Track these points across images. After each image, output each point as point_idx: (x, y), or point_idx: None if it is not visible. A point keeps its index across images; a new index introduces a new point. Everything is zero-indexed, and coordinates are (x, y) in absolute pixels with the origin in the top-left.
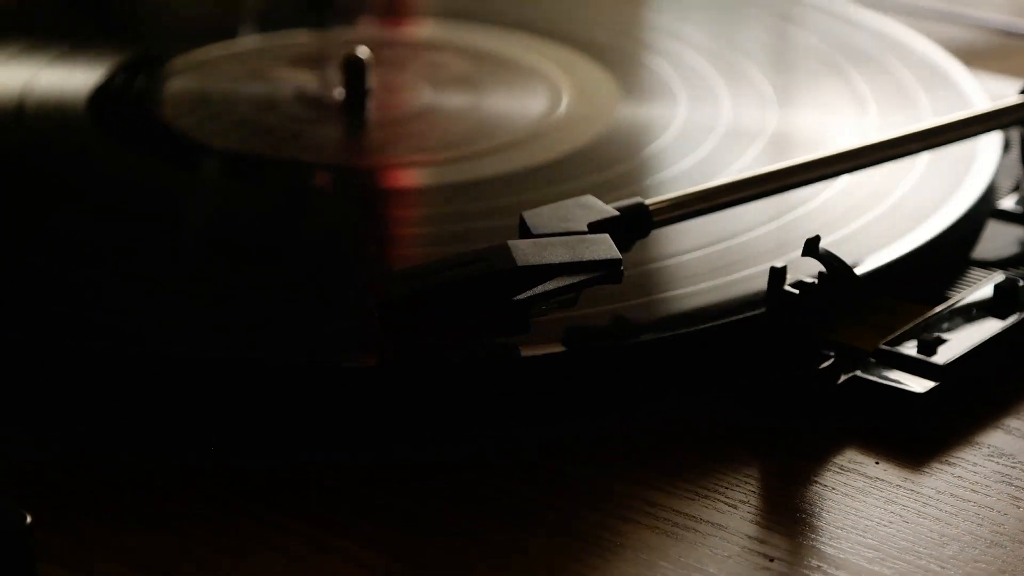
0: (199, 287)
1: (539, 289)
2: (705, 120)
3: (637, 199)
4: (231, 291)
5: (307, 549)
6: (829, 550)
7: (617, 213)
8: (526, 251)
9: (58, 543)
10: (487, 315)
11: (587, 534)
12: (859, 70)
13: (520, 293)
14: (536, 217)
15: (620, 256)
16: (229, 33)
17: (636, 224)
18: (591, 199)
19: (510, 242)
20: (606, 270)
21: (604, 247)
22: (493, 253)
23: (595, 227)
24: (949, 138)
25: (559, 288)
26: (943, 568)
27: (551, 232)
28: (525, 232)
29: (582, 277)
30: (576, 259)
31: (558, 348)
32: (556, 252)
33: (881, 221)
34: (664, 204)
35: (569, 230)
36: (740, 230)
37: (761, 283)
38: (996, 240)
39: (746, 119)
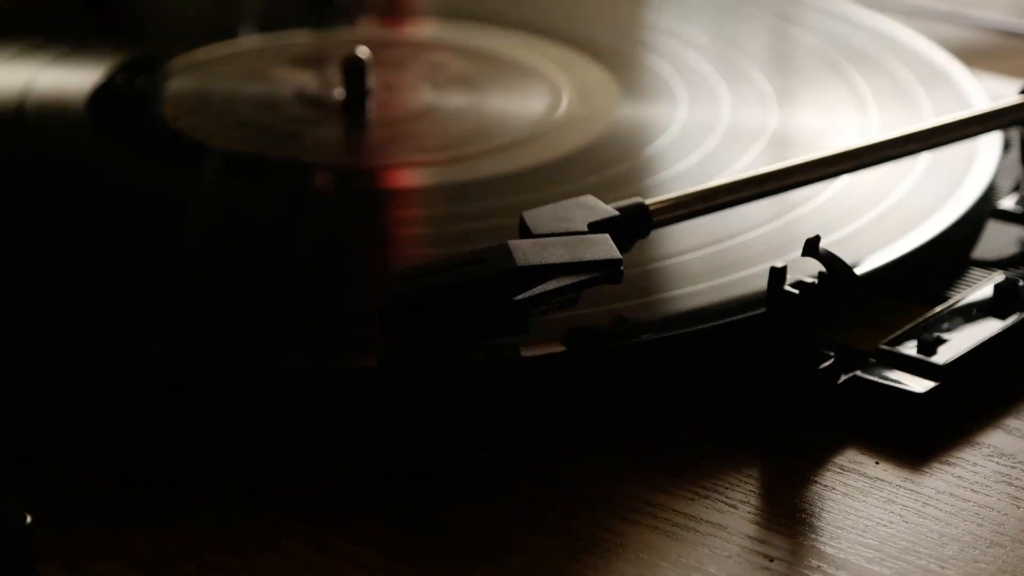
0: (199, 288)
1: (539, 289)
2: (705, 120)
3: (637, 199)
4: (231, 292)
5: (307, 549)
6: (829, 550)
7: (617, 213)
8: (526, 251)
9: (58, 543)
10: (487, 316)
11: (587, 534)
12: (859, 70)
13: (520, 293)
14: (536, 217)
15: (620, 256)
16: (229, 33)
17: (636, 224)
18: (591, 199)
19: (510, 242)
20: (606, 270)
21: (604, 247)
22: (493, 253)
23: (595, 227)
24: (949, 138)
25: (559, 288)
26: (943, 568)
27: (551, 232)
28: (525, 232)
29: (582, 277)
30: (576, 259)
31: (558, 348)
32: (556, 252)
33: (881, 221)
34: (664, 204)
35: (569, 230)
36: (740, 230)
37: (761, 283)
38: (996, 240)
39: (746, 119)
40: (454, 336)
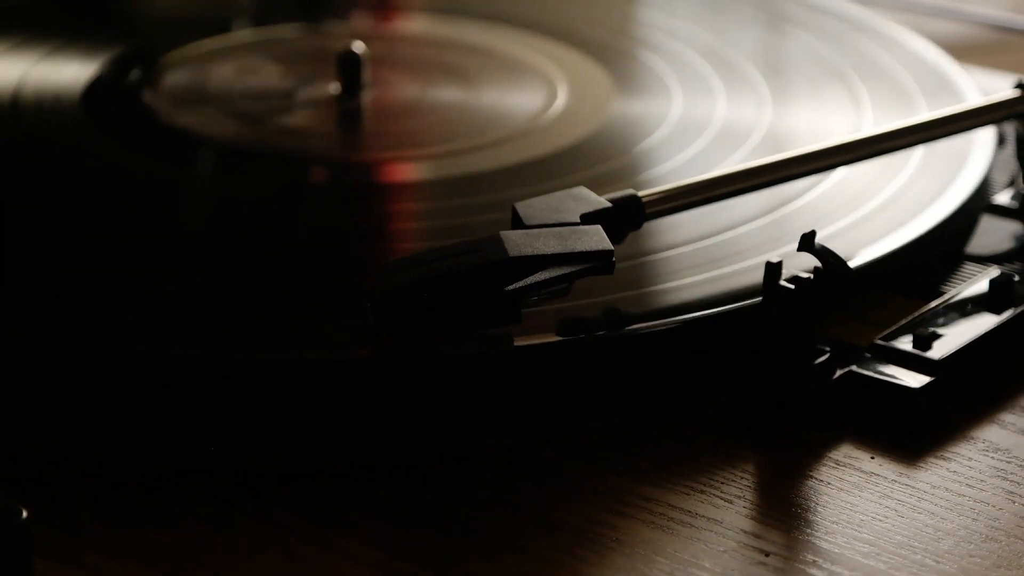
0: (195, 283)
1: (531, 279)
2: (700, 116)
3: (630, 191)
4: (227, 287)
5: (307, 547)
6: (824, 545)
7: (609, 205)
8: (518, 242)
9: (56, 540)
10: (479, 305)
11: (583, 529)
12: (853, 66)
13: (512, 284)
14: (528, 208)
15: (612, 247)
16: (224, 27)
17: (629, 216)
18: (583, 191)
19: (502, 233)
20: (598, 261)
21: (596, 238)
22: (485, 244)
23: (587, 218)
24: (943, 132)
25: (551, 279)
26: (938, 562)
27: (543, 223)
28: (518, 223)
29: (574, 268)
30: (568, 250)
31: (550, 338)
32: (548, 243)
33: (876, 215)
34: (657, 196)
35: (561, 221)
36: (735, 223)
37: (755, 276)
38: (991, 235)
39: (740, 115)
40: (447, 327)
